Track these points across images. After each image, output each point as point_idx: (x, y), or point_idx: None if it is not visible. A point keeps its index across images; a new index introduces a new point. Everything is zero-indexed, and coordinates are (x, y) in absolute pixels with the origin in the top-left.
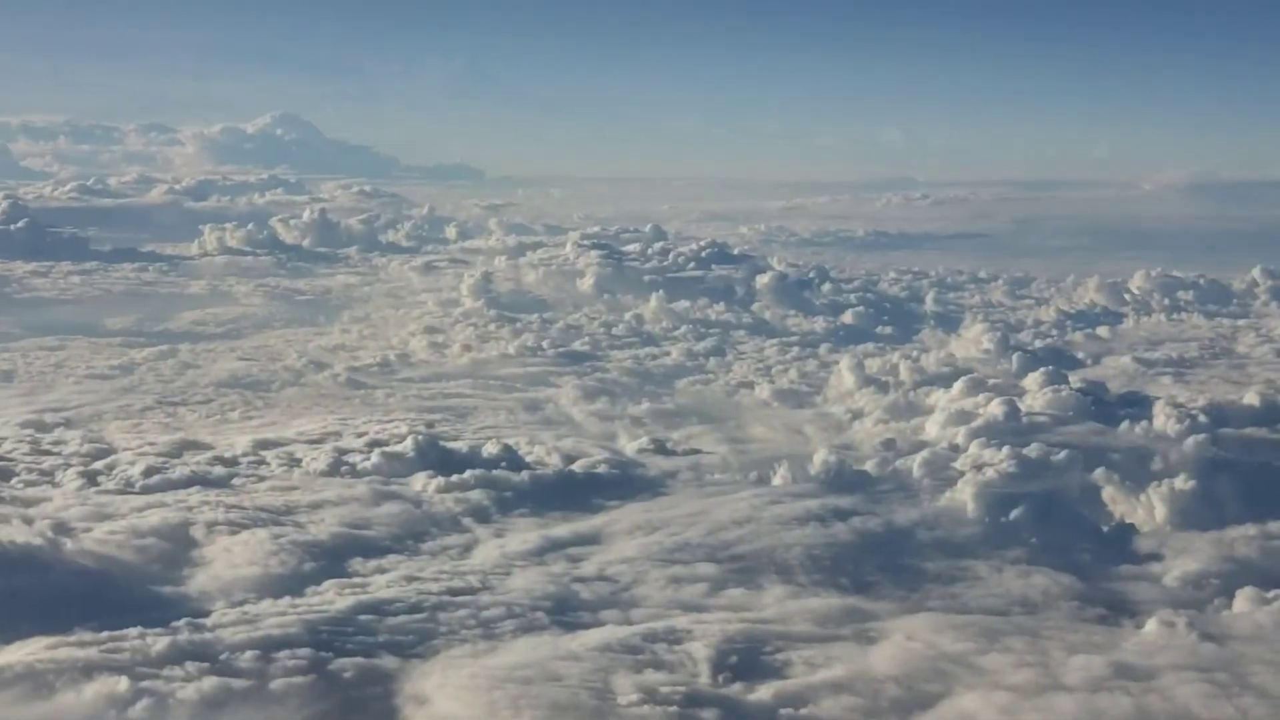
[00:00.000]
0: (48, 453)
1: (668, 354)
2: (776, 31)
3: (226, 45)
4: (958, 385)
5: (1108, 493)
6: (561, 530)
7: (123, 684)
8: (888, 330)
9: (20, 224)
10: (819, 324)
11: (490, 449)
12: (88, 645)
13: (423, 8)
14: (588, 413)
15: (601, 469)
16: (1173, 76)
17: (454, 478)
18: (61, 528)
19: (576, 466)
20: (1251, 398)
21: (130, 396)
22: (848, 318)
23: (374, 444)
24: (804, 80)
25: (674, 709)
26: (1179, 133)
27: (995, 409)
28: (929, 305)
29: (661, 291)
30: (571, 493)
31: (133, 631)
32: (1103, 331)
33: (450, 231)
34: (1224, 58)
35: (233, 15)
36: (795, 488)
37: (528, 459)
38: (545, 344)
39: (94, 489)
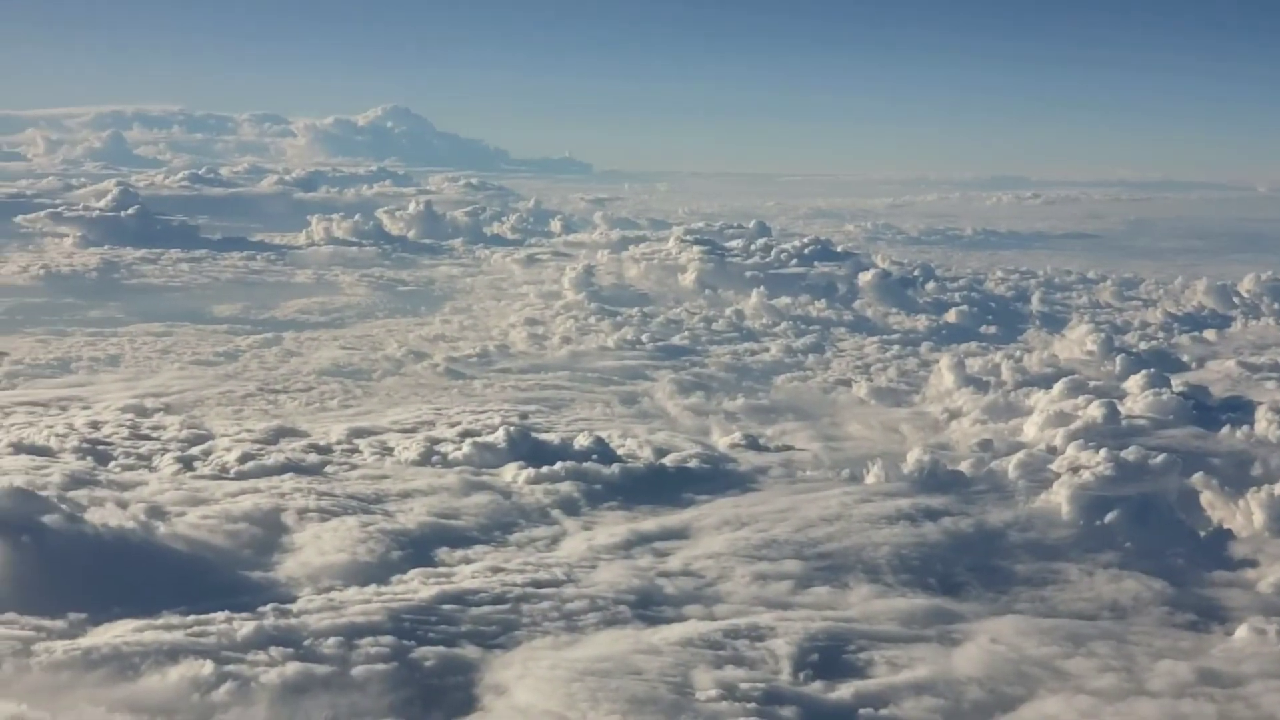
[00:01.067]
0: (146, 437)
1: (767, 350)
2: (889, 30)
3: (342, 37)
4: (1058, 386)
5: (1206, 498)
6: (649, 524)
7: (207, 667)
8: (992, 330)
9: (131, 211)
10: (921, 322)
11: (582, 441)
12: (174, 629)
13: (538, 4)
14: (682, 407)
15: (693, 463)
16: None
17: (544, 469)
18: (156, 512)
19: (667, 460)
20: None
21: (232, 383)
22: (951, 316)
23: (466, 434)
24: (916, 78)
25: (752, 705)
26: None
27: (1094, 411)
28: (1035, 305)
29: (763, 287)
30: (661, 486)
31: (219, 616)
32: (1209, 335)
33: (555, 225)
34: None
35: (350, 8)
36: (887, 486)
37: (619, 452)
38: (644, 338)
39: (189, 474)
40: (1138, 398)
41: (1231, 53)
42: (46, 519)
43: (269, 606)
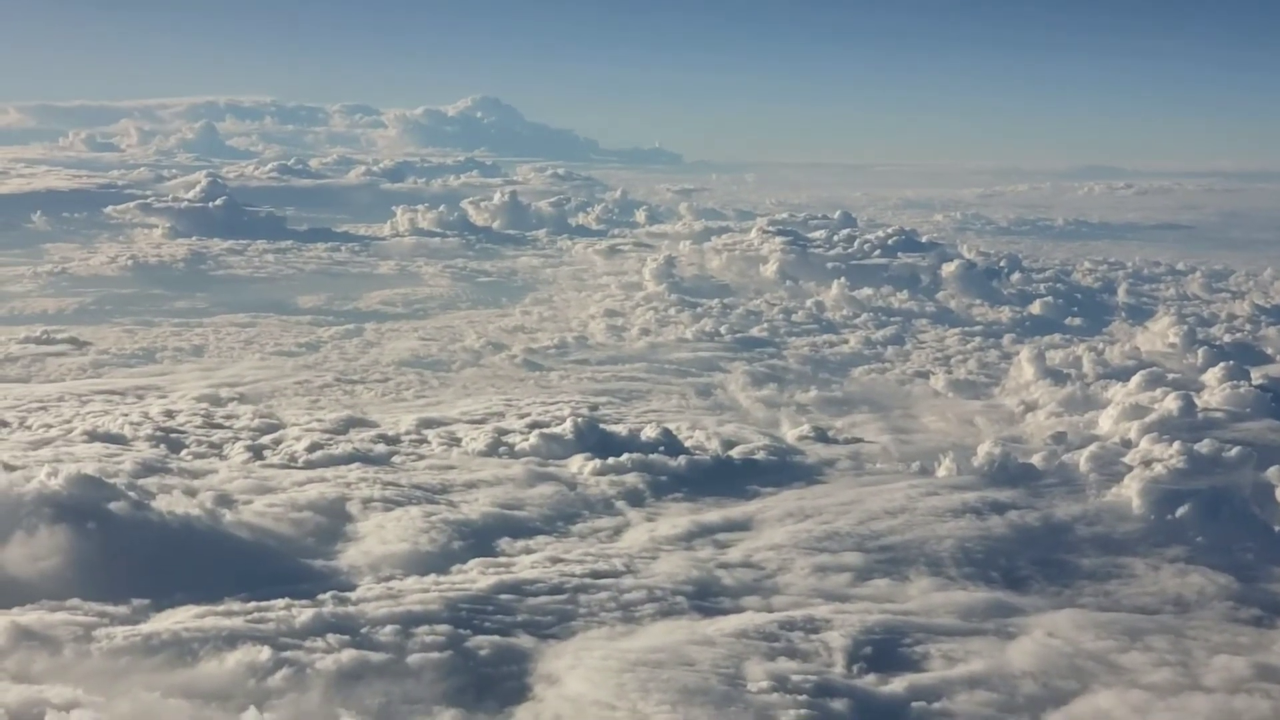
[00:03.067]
0: (219, 426)
1: (845, 342)
2: (985, 19)
3: (433, 28)
4: (1135, 379)
5: None
6: (713, 516)
7: (264, 653)
8: (1077, 322)
9: (218, 202)
10: (1005, 314)
11: (649, 433)
12: (235, 615)
13: None
14: (755, 399)
15: (760, 455)
16: None
17: (610, 461)
18: (223, 499)
19: (734, 452)
20: None
21: (310, 373)
22: (1035, 308)
23: (535, 425)
24: (1011, 67)
25: (803, 698)
26: None
27: (1170, 404)
28: (1121, 297)
29: (844, 279)
30: (727, 478)
31: (279, 603)
32: None
33: (640, 216)
34: None
35: None
36: (955, 480)
37: (687, 444)
38: (723, 329)
39: (259, 463)
40: (1216, 390)
41: None
42: (114, 506)
43: (328, 594)
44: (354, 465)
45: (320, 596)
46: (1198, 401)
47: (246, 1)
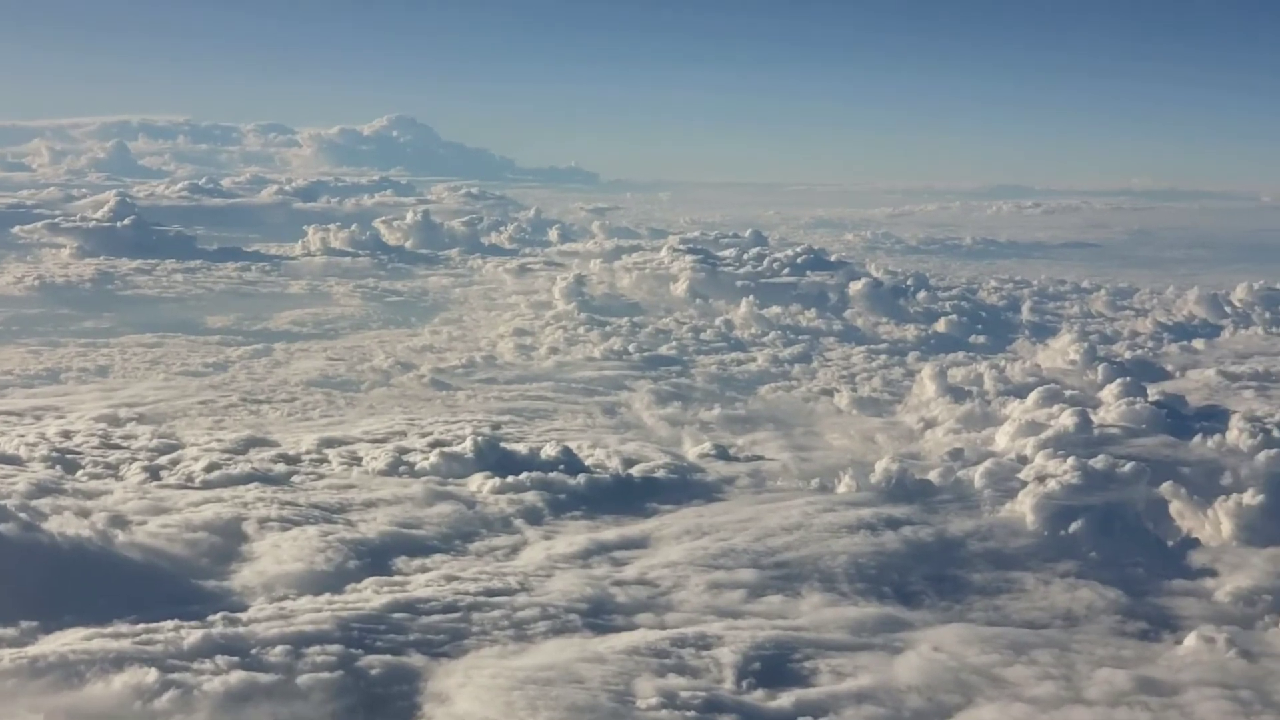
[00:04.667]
0: (116, 447)
1: (753, 360)
2: (898, 40)
3: (349, 47)
4: (1033, 396)
5: (1175, 507)
6: (610, 534)
7: (151, 675)
8: (981, 340)
9: (127, 221)
10: (910, 332)
11: (549, 451)
12: (123, 637)
13: (545, 14)
14: (659, 417)
15: (660, 473)
16: None
17: (510, 479)
18: (117, 520)
19: (635, 470)
20: None
21: (215, 393)
22: (940, 326)
23: (436, 444)
24: (923, 88)
25: (692, 714)
26: None
27: (1066, 420)
28: (1025, 315)
29: (753, 297)
30: (627, 496)
31: (168, 624)
32: (1198, 344)
33: (553, 234)
34: None
35: (357, 17)
36: (852, 496)
37: (587, 462)
38: (632, 348)
39: (155, 483)
40: (1112, 407)
41: (1238, 63)
42: (3, 528)
43: (219, 615)
44: (252, 485)
45: (210, 618)
46: (1094, 418)
47: (161, 20)
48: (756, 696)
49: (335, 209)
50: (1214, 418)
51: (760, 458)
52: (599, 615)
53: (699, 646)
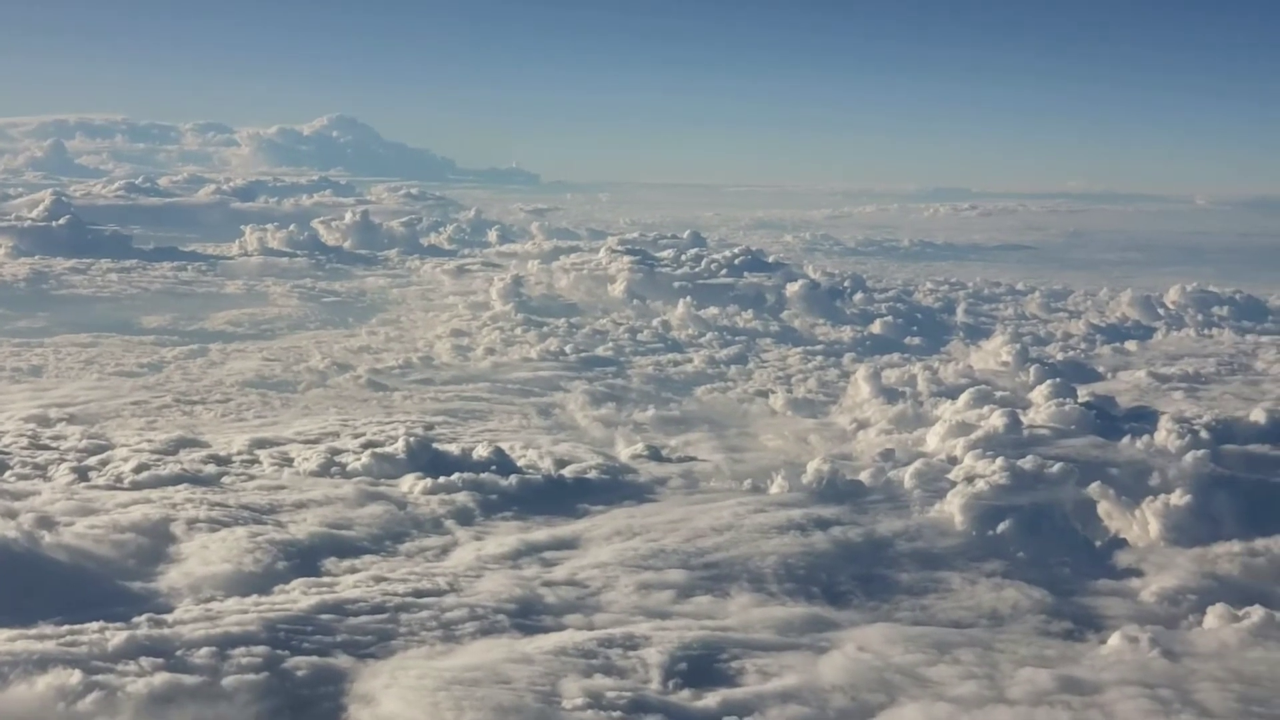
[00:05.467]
0: (45, 447)
1: (690, 361)
2: (839, 42)
3: (290, 46)
4: (964, 397)
5: (1103, 507)
6: (541, 534)
7: (75, 677)
8: (916, 341)
9: (62, 221)
10: (846, 333)
11: (481, 452)
12: (47, 638)
13: (488, 13)
14: (593, 418)
15: (591, 474)
16: (1234, 91)
17: (441, 480)
18: (44, 521)
19: (567, 471)
20: (1258, 414)
21: (149, 394)
22: (876, 327)
23: (369, 445)
24: (864, 90)
25: (618, 714)
26: (1237, 149)
27: (996, 421)
28: (960, 317)
29: (690, 298)
30: (558, 497)
31: (93, 626)
32: (1130, 345)
33: (492, 235)
34: None
35: (299, 16)
36: (783, 497)
37: (520, 463)
38: (568, 349)
39: (84, 484)
40: (1042, 408)
41: (1176, 67)
42: None
43: (144, 617)
44: (181, 486)
45: (136, 619)
46: (1024, 419)
47: (100, 19)
48: (682, 696)
49: (273, 209)
50: (1143, 419)
51: (693, 459)
52: (527, 616)
53: (626, 647)
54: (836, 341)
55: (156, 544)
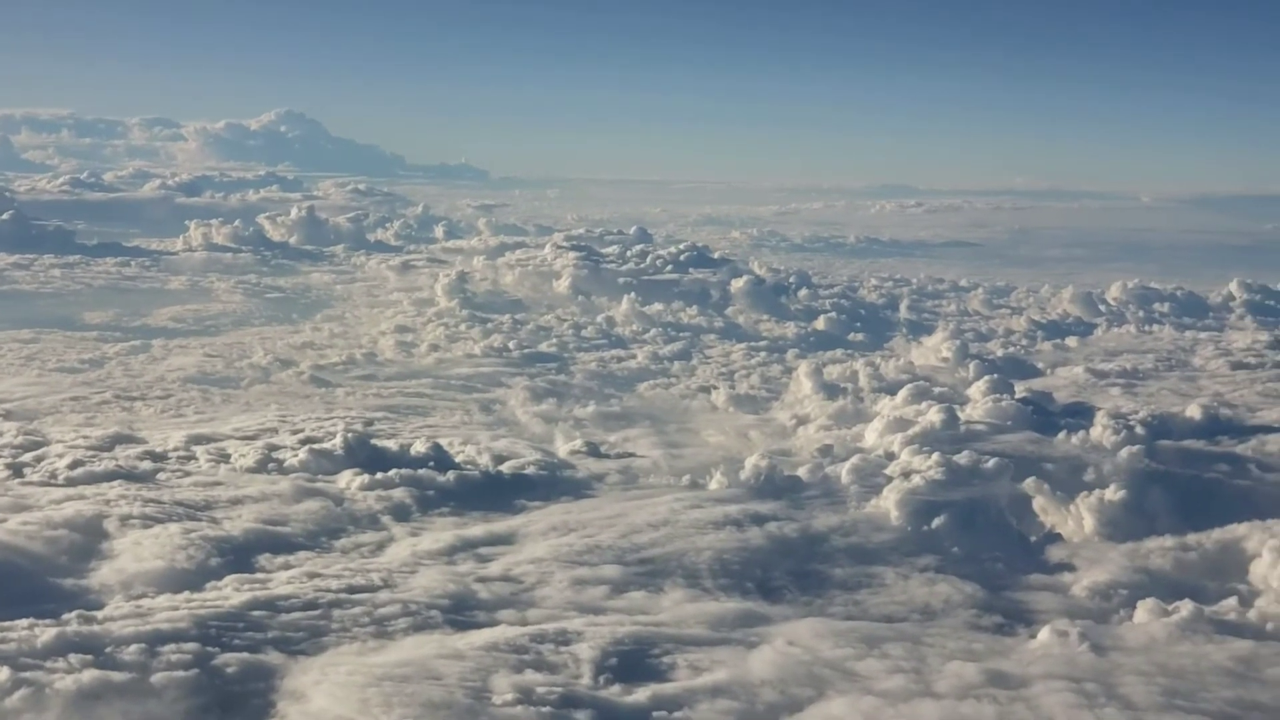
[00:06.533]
0: None
1: (634, 357)
2: (788, 38)
3: (239, 41)
4: (902, 393)
5: (1038, 502)
6: (477, 530)
7: (3, 674)
8: (860, 337)
9: (5, 216)
10: (790, 329)
11: (419, 448)
12: None
13: (440, 9)
14: (533, 414)
15: (530, 470)
16: (1179, 90)
17: (379, 476)
18: None
19: (505, 467)
20: (1194, 410)
21: (89, 390)
22: (820, 324)
23: (307, 441)
24: (812, 87)
25: (547, 710)
26: (1182, 147)
27: (933, 416)
28: (903, 313)
29: (635, 294)
30: (496, 493)
31: (22, 623)
32: (1071, 341)
33: (439, 231)
34: (1234, 74)
35: (248, 11)
36: (721, 493)
37: (458, 458)
38: (512, 345)
39: (17, 480)
40: (979, 403)
41: (1124, 65)
42: None
43: (74, 613)
44: (116, 482)
45: (66, 616)
46: (961, 414)
47: (46, 13)
48: (613, 691)
49: (219, 204)
50: (1080, 414)
51: (632, 455)
52: (461, 612)
53: (558, 642)
54: (780, 338)
55: (89, 541)
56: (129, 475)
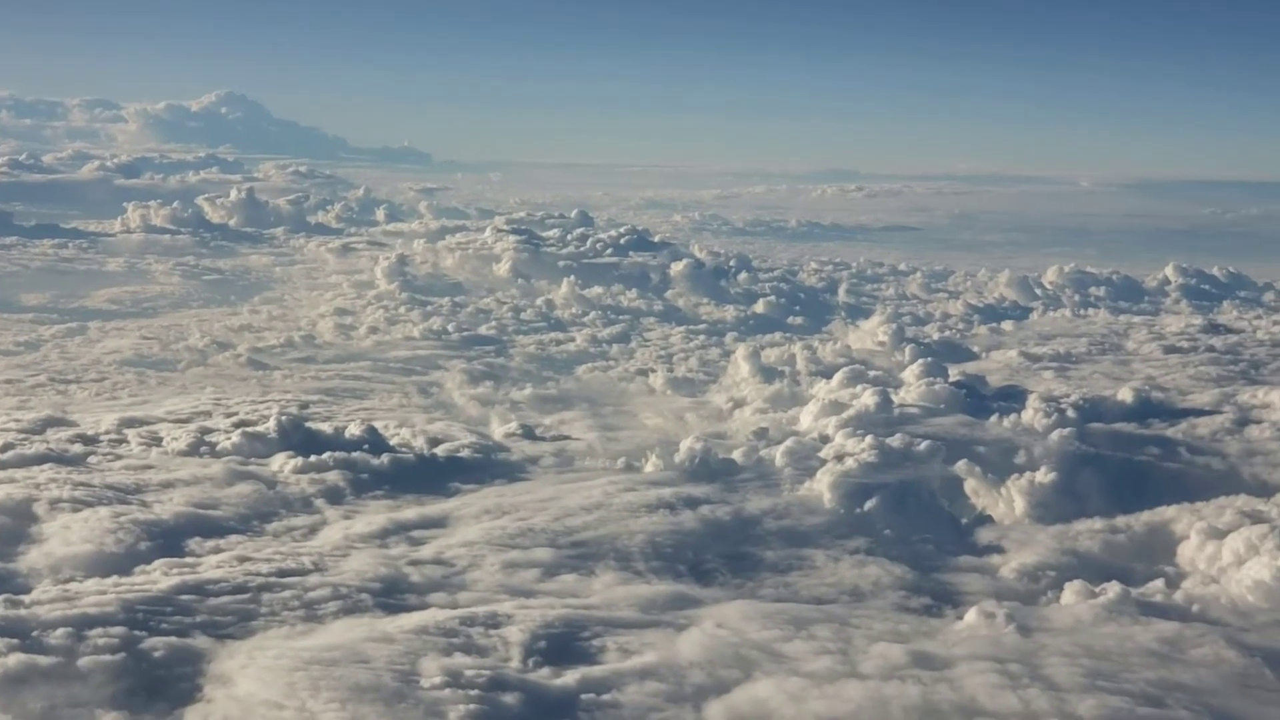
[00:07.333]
0: None
1: (573, 340)
2: (731, 23)
3: (180, 21)
4: (837, 376)
5: (970, 485)
6: (410, 513)
7: None
8: (799, 321)
9: None
10: (730, 313)
11: (353, 431)
12: None
13: None
14: (470, 396)
15: (464, 453)
16: (1120, 75)
17: (312, 459)
18: None
19: (439, 450)
20: (1125, 393)
21: (24, 373)
22: (760, 307)
23: (241, 424)
24: (754, 70)
25: (475, 693)
26: (1122, 132)
27: (868, 399)
28: (842, 296)
29: (574, 277)
30: (430, 476)
31: None
32: (1007, 325)
33: (380, 214)
34: (1174, 60)
35: None
36: (655, 476)
37: (393, 441)
38: (451, 328)
39: None
40: (913, 387)
41: (1061, 49)
42: None
43: (0, 598)
44: (46, 466)
45: None
46: (895, 398)
47: None
48: (542, 674)
49: (159, 186)
50: (1012, 398)
51: (567, 437)
52: (391, 595)
53: (488, 625)
54: (720, 321)
55: (18, 524)
56: (60, 459)
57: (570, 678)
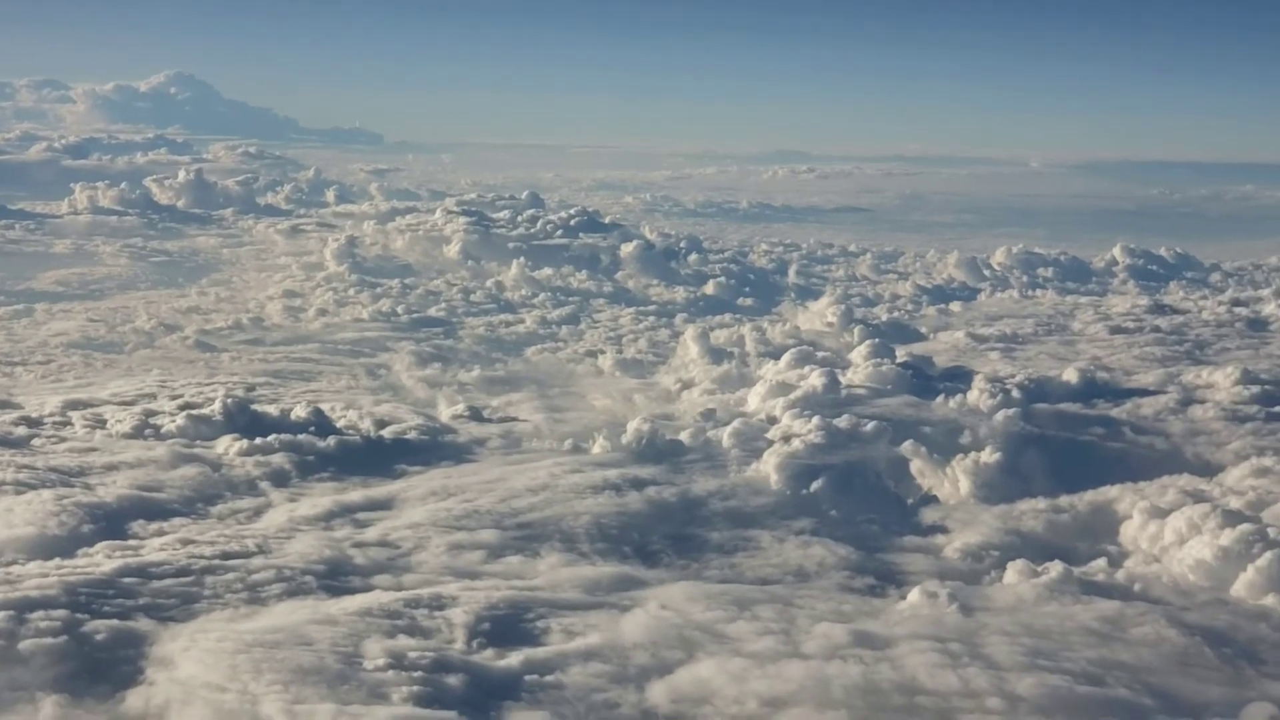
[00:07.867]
0: None
1: (522, 321)
2: (681, 5)
3: (131, 2)
4: (785, 357)
5: (916, 465)
6: (355, 495)
7: None
8: (749, 302)
9: None
10: (680, 294)
11: (299, 413)
12: None
13: None
14: (418, 378)
15: (411, 435)
16: (1069, 57)
17: (258, 441)
18: None
19: (386, 432)
20: (1070, 374)
21: None
22: (710, 288)
23: (186, 406)
24: (706, 52)
25: (419, 674)
26: (1072, 113)
27: (815, 380)
28: (792, 278)
29: (524, 259)
30: (376, 458)
31: None
32: (955, 307)
33: (330, 195)
34: (1123, 42)
35: None
36: (602, 457)
37: (339, 423)
38: (400, 309)
39: None
40: (860, 368)
41: (1010, 30)
42: None
43: None
44: None
45: None
46: (842, 379)
47: None
48: (486, 656)
49: (107, 167)
50: (959, 378)
51: (514, 419)
52: (336, 577)
53: (432, 607)
54: (670, 302)
55: None
56: (3, 441)
57: (514, 659)
